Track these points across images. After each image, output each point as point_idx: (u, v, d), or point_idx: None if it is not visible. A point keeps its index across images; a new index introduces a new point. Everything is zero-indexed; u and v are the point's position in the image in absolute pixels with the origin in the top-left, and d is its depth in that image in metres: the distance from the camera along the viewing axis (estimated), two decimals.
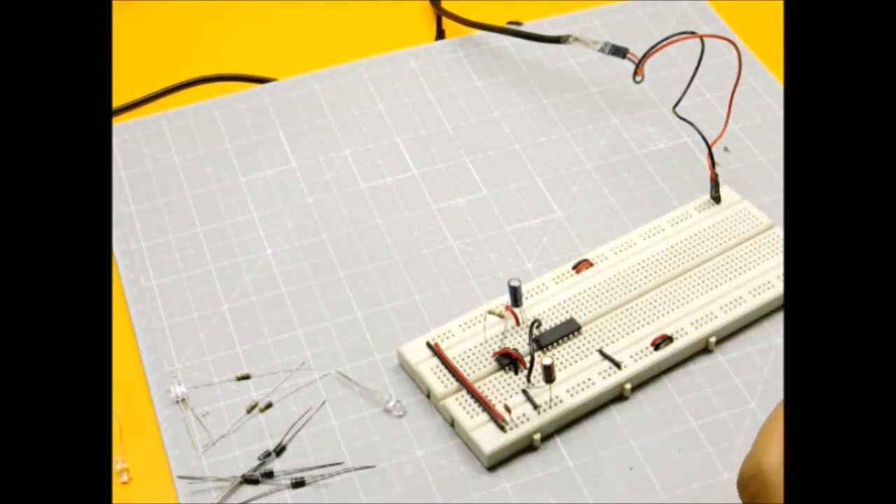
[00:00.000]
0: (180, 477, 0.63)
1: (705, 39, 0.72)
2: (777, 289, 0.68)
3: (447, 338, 0.67)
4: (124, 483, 0.64)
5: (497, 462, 0.63)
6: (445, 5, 0.89)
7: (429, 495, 0.62)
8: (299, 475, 0.63)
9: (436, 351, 0.66)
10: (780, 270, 0.69)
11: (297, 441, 0.65)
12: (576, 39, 0.81)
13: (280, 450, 0.64)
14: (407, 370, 0.67)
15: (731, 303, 0.68)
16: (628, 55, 0.76)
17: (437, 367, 0.65)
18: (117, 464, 0.64)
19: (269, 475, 0.63)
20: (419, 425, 0.65)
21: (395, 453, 0.64)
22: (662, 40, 0.71)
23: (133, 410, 0.67)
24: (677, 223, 0.73)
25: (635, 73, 0.75)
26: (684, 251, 0.71)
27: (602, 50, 0.78)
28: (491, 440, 0.63)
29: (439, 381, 0.65)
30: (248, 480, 0.63)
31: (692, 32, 0.71)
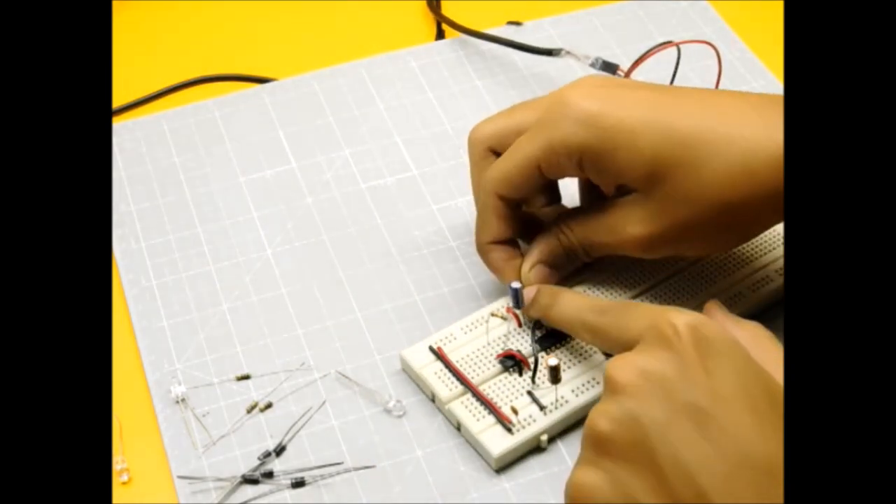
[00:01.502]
0: (180, 477, 0.63)
1: (693, 45, 0.75)
2: (776, 283, 0.68)
3: (450, 341, 0.67)
4: (124, 483, 0.64)
5: (505, 464, 0.63)
6: (445, 6, 0.89)
7: (429, 495, 0.62)
8: (299, 475, 0.63)
9: (439, 355, 0.66)
10: (780, 265, 0.69)
11: (297, 441, 0.65)
12: (568, 53, 0.82)
13: (280, 450, 0.64)
14: (410, 374, 0.67)
15: (731, 298, 0.68)
16: (618, 71, 0.79)
17: (441, 370, 0.65)
18: (117, 464, 0.64)
19: (269, 475, 0.63)
20: (419, 425, 0.65)
21: (395, 453, 0.64)
22: (643, 54, 0.74)
23: (133, 410, 0.67)
24: None
25: None
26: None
27: (593, 65, 0.80)
28: (499, 442, 0.63)
29: (444, 385, 0.65)
30: (248, 480, 0.63)
31: (668, 42, 0.74)
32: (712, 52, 0.75)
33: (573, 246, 0.66)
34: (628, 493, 0.52)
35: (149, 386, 0.67)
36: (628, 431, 0.53)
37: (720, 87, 0.76)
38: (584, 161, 0.63)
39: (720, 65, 0.74)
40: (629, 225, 0.64)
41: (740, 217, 0.61)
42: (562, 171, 0.65)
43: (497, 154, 0.67)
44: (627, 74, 0.77)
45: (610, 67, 0.79)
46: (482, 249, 0.68)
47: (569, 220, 0.67)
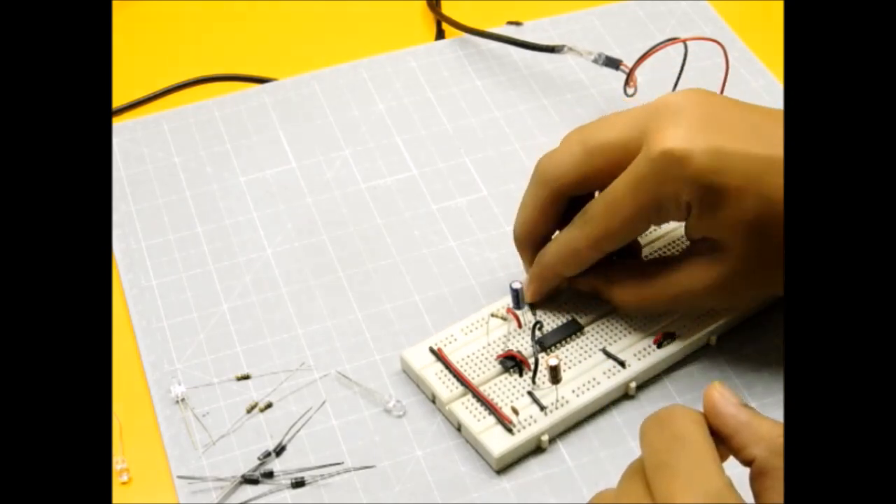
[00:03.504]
0: (180, 477, 0.63)
1: (699, 42, 0.75)
2: None
3: (450, 342, 0.67)
4: (124, 483, 0.64)
5: (506, 465, 0.63)
6: (444, 6, 0.89)
7: (429, 495, 0.62)
8: (299, 475, 0.63)
9: (439, 356, 0.66)
10: None
11: (297, 441, 0.65)
12: (570, 49, 0.81)
13: (280, 450, 0.64)
14: (410, 375, 0.67)
15: None
16: (621, 66, 0.78)
17: (442, 371, 0.65)
18: (117, 464, 0.64)
19: (269, 475, 0.63)
20: (419, 425, 0.65)
21: (395, 453, 0.64)
22: (648, 50, 0.74)
23: (133, 410, 0.67)
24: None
25: (626, 85, 0.77)
26: (683, 247, 0.71)
27: (596, 61, 0.80)
28: (500, 443, 0.62)
29: (444, 386, 0.65)
30: (248, 480, 0.63)
31: (674, 38, 0.74)
32: (715, 51, 0.75)
33: (619, 305, 0.66)
34: None
35: (149, 386, 0.67)
36: None
37: (726, 86, 0.75)
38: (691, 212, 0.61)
39: (727, 64, 0.74)
40: (713, 287, 0.63)
41: None
42: (669, 221, 0.64)
43: (569, 196, 0.65)
44: (632, 71, 0.77)
45: (612, 63, 0.79)
46: (544, 275, 0.67)
47: (621, 280, 0.66)
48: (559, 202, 0.65)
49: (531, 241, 0.67)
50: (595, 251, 0.65)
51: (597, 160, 0.63)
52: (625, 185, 0.62)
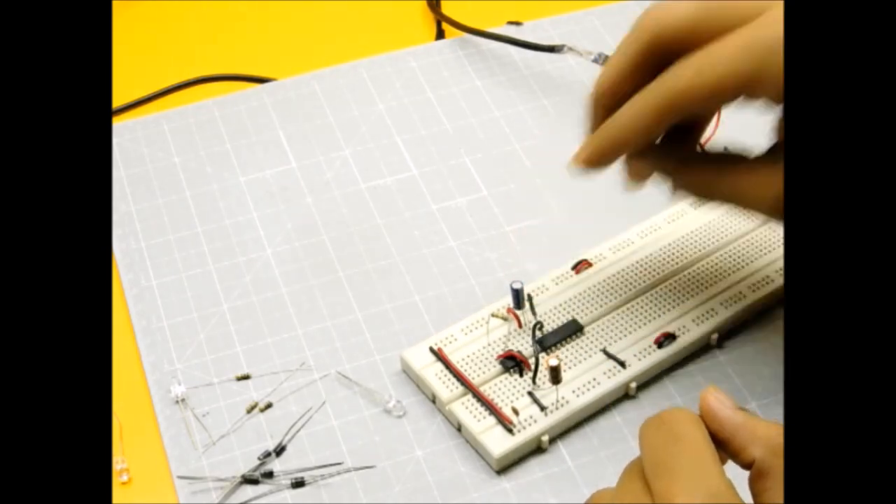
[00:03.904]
0: (180, 477, 0.63)
1: None
2: (776, 283, 0.68)
3: (450, 342, 0.67)
4: (124, 483, 0.64)
5: (506, 465, 0.63)
6: (444, 6, 0.89)
7: (429, 495, 0.62)
8: (299, 475, 0.63)
9: (439, 356, 0.66)
10: (779, 265, 0.69)
11: (297, 441, 0.65)
12: (570, 49, 0.82)
13: (280, 450, 0.64)
14: (410, 375, 0.67)
15: (730, 298, 0.68)
16: None
17: (442, 371, 0.65)
18: (117, 464, 0.64)
19: (269, 475, 0.63)
20: (419, 425, 0.65)
21: (395, 453, 0.64)
22: None
23: (133, 410, 0.67)
24: (674, 220, 0.73)
25: None
26: (683, 248, 0.71)
27: (596, 61, 0.80)
28: (500, 443, 0.62)
29: (444, 386, 0.65)
30: (248, 480, 0.63)
31: None
32: None
33: (678, 190, 0.63)
34: None
35: (149, 386, 0.67)
36: None
37: None
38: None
39: None
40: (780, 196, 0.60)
41: None
42: (757, 100, 0.60)
43: (667, 51, 0.61)
44: None
45: None
46: (603, 138, 0.62)
47: (689, 164, 0.62)
48: (656, 54, 0.61)
49: (610, 96, 0.63)
50: (667, 113, 0.60)
51: (710, 18, 0.59)
52: (733, 46, 0.58)
